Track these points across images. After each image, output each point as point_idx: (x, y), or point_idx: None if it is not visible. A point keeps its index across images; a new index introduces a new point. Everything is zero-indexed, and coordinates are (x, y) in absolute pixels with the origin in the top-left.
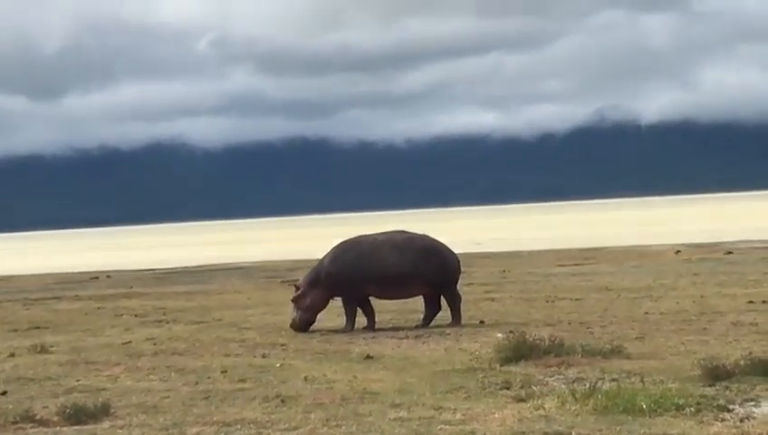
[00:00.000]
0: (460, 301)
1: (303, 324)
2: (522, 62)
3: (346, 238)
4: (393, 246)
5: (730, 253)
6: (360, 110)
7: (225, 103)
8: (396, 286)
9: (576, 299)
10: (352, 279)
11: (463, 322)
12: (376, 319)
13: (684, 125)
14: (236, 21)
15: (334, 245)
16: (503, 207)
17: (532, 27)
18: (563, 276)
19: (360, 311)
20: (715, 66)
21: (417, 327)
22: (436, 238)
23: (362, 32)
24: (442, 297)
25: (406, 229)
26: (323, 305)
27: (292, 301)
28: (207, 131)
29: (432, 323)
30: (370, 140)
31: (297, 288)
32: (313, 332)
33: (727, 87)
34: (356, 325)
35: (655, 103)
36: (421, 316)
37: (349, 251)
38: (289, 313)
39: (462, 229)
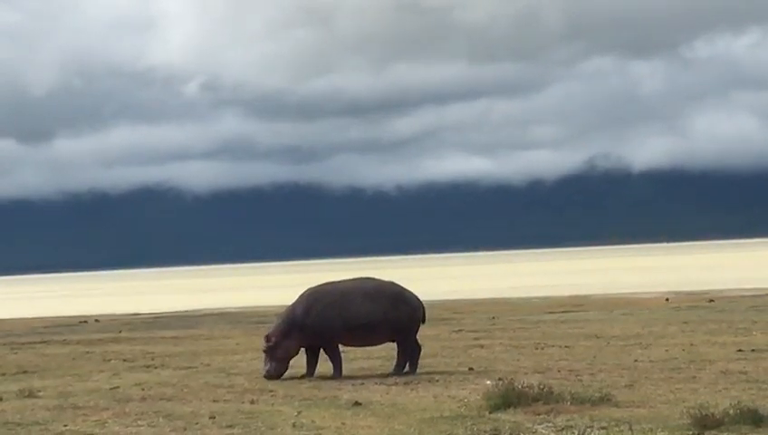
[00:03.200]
0: (419, 351)
1: (278, 374)
2: (512, 109)
3: (313, 286)
4: (364, 295)
5: (712, 301)
6: (350, 155)
7: (215, 148)
8: (366, 334)
9: (565, 346)
10: (328, 328)
11: (452, 368)
12: (364, 365)
13: (674, 172)
14: (226, 65)
15: (302, 293)
16: (492, 253)
17: (522, 74)
18: (553, 323)
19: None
20: (705, 113)
21: (405, 373)
22: (404, 286)
23: (353, 77)
24: (402, 341)
25: (374, 276)
26: (296, 354)
27: (265, 352)
28: (197, 176)
29: (421, 370)
30: (360, 185)
31: (268, 339)
32: (303, 377)
33: (718, 134)
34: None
35: (645, 150)
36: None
37: (320, 300)
38: (261, 363)
39: (450, 276)
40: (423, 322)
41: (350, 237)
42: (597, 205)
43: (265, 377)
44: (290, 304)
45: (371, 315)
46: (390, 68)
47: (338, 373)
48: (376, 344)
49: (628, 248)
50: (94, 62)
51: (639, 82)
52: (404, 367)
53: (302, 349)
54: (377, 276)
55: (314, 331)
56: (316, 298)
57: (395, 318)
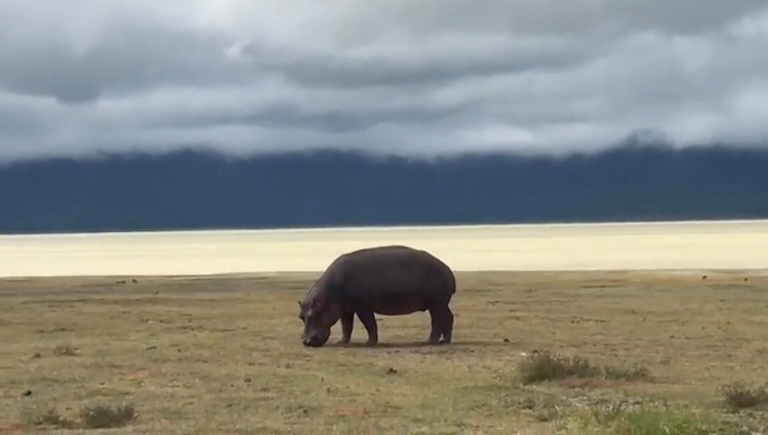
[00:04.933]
0: (452, 320)
1: (324, 340)
2: (554, 82)
3: (348, 253)
4: (399, 263)
5: (746, 279)
6: (391, 124)
7: (256, 112)
8: (399, 303)
9: (601, 321)
10: (366, 296)
11: (487, 339)
12: (399, 333)
13: (716, 150)
14: (269, 29)
15: (337, 259)
16: (530, 226)
17: (566, 47)
18: (589, 298)
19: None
20: (749, 92)
21: (441, 343)
22: (436, 256)
23: (396, 45)
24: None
25: (405, 245)
26: (337, 320)
27: (311, 318)
28: (238, 140)
29: (456, 340)
30: (401, 154)
31: (315, 303)
32: (339, 344)
33: (761, 113)
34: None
35: (687, 128)
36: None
37: (359, 268)
38: (302, 329)
39: (487, 248)
40: (453, 291)
41: (389, 206)
42: (637, 180)
43: (311, 344)
44: (325, 270)
45: (406, 284)
46: (434, 37)
47: (373, 341)
48: (407, 313)
49: (666, 225)
50: (138, 23)
51: (683, 58)
52: (439, 336)
53: None
54: (413, 246)
55: (353, 298)
56: (355, 265)
57: (428, 287)
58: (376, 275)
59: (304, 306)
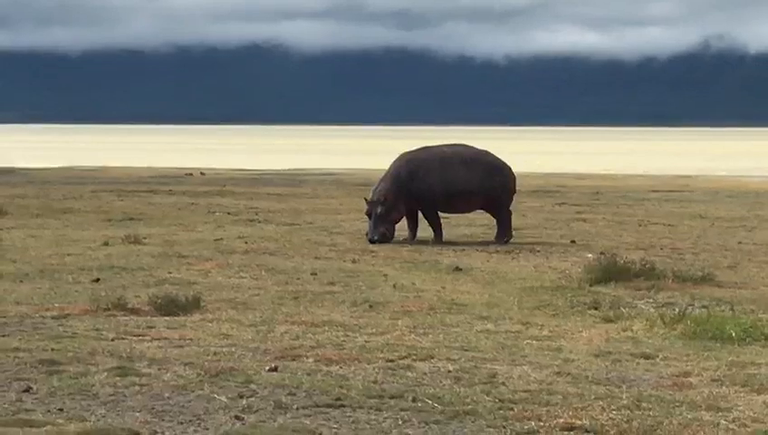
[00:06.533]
0: (510, 217)
1: (391, 237)
2: None
3: (411, 150)
4: (462, 162)
5: None
6: (460, 23)
7: (325, 8)
8: (461, 201)
9: (669, 225)
10: (430, 194)
11: (553, 240)
12: (466, 232)
13: None
14: None
15: (400, 156)
16: (599, 129)
17: None
18: (657, 202)
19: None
20: None
21: (506, 242)
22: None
23: None
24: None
25: (469, 144)
26: (402, 218)
27: (380, 215)
28: (306, 36)
29: (522, 240)
30: (469, 54)
31: (385, 200)
32: (404, 241)
33: None
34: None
35: (761, 33)
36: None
37: (422, 165)
38: (368, 226)
39: (555, 150)
40: (514, 192)
41: (457, 105)
42: (708, 86)
43: (378, 241)
44: (389, 167)
45: (468, 183)
46: None
47: (438, 238)
48: (468, 212)
49: (736, 131)
50: None
51: None
52: (504, 236)
53: None
54: (478, 146)
55: (416, 195)
56: (418, 163)
57: (489, 187)
58: (439, 173)
59: (373, 203)
